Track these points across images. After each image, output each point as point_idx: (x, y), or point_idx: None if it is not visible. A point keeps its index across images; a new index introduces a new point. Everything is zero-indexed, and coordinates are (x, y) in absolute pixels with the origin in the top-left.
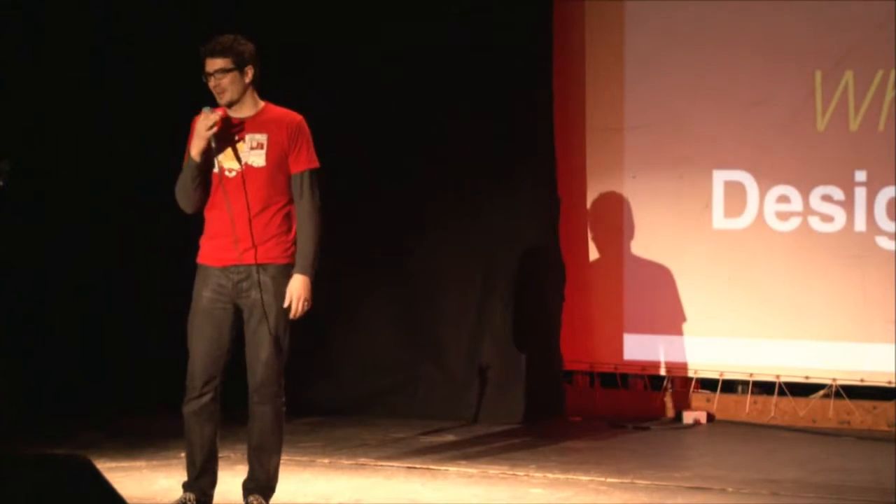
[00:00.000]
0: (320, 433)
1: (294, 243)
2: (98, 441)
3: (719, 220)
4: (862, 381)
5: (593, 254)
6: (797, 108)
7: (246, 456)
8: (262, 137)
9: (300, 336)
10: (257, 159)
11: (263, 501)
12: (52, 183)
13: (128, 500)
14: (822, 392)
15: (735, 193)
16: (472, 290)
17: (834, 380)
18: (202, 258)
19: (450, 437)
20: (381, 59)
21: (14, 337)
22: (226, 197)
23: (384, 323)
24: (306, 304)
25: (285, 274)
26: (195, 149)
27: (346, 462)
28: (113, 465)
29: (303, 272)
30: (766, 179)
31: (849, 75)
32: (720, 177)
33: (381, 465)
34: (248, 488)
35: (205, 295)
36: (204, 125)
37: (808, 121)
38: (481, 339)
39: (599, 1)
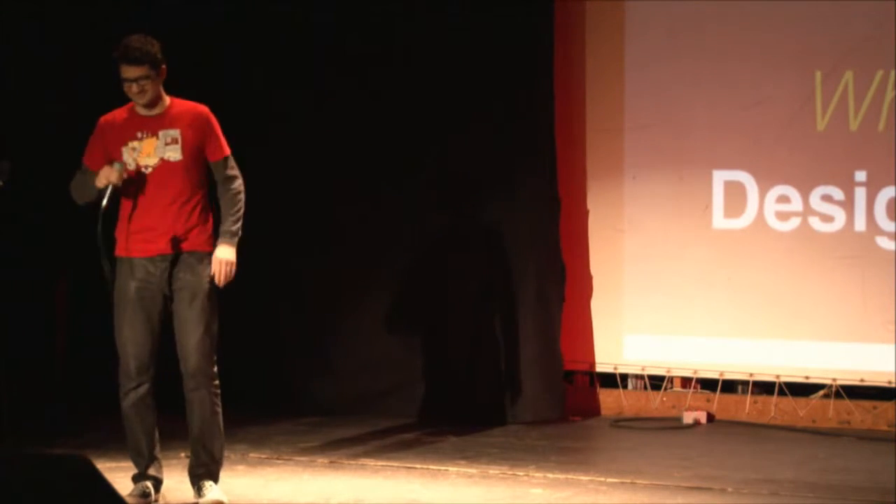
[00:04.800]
0: (320, 433)
1: (213, 233)
2: (98, 441)
3: (719, 220)
4: (862, 381)
5: (593, 254)
6: (797, 108)
7: (190, 446)
8: (175, 133)
9: (300, 335)
10: (173, 154)
11: (215, 483)
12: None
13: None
14: (822, 392)
15: (735, 193)
16: (471, 290)
17: (834, 380)
18: (126, 251)
19: (450, 437)
20: (380, 59)
21: (14, 337)
22: (147, 191)
23: (384, 323)
24: (230, 267)
25: (209, 261)
26: (98, 183)
27: (346, 462)
28: (113, 465)
29: (226, 241)
30: (766, 179)
31: (849, 75)
32: (720, 177)
33: (381, 465)
34: (198, 474)
35: (132, 286)
36: (106, 176)
37: (808, 121)
38: (481, 339)
39: (599, 1)
